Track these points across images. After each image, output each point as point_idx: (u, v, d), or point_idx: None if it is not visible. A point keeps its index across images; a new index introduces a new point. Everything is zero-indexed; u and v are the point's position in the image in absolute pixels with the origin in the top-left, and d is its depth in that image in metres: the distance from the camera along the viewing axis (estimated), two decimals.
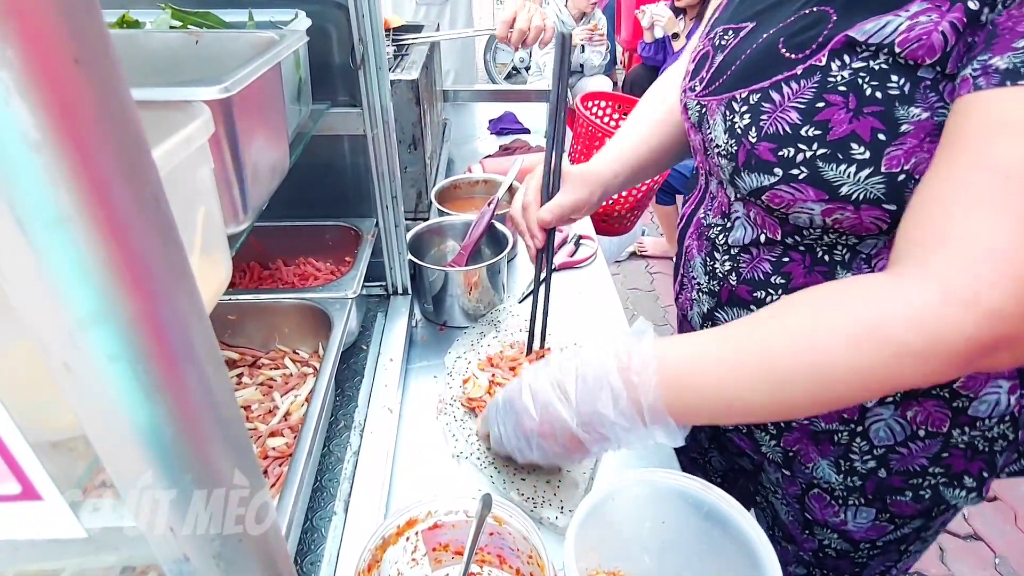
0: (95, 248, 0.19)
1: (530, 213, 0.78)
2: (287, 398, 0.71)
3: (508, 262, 1.16)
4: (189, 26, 0.67)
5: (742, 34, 0.60)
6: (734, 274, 0.64)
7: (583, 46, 3.78)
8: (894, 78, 0.47)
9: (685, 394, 0.49)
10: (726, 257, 0.65)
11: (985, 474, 0.63)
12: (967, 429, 0.60)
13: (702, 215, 0.71)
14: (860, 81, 0.48)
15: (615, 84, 4.51)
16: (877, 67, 0.47)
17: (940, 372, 0.43)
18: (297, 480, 0.54)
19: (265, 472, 0.63)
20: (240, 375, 0.75)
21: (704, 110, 0.62)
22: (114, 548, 0.29)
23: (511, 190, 1.20)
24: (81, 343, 0.20)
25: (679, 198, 3.21)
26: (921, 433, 0.61)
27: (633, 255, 3.33)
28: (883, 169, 0.48)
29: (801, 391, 0.46)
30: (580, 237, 1.24)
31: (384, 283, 0.98)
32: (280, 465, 0.64)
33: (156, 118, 0.38)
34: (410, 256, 0.96)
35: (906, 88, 0.47)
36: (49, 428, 0.27)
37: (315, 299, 0.76)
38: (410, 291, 0.99)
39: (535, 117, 1.82)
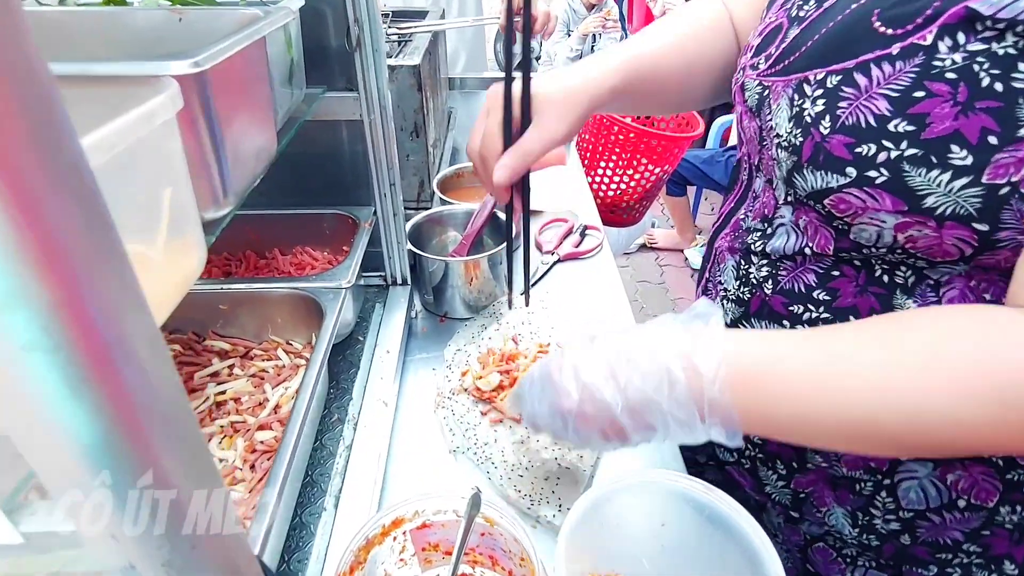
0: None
1: (489, 165, 0.61)
2: (278, 390, 0.69)
3: (511, 252, 1.13)
4: (177, 4, 0.65)
5: (826, 4, 0.50)
6: (770, 282, 0.56)
7: (596, 34, 3.73)
8: (1022, 67, 0.38)
9: (754, 395, 0.41)
10: (764, 262, 0.57)
11: None
12: (1019, 508, 0.50)
13: (742, 216, 0.62)
14: (976, 68, 0.39)
15: None
16: (1002, 51, 0.38)
17: None
18: (281, 475, 0.52)
19: (252, 467, 0.62)
20: (232, 366, 0.74)
21: (767, 92, 0.53)
22: (56, 554, 0.27)
23: None
24: None
25: (690, 189, 3.17)
26: (961, 504, 0.51)
27: (643, 247, 3.29)
28: (984, 180, 0.39)
29: (890, 439, 0.39)
30: (586, 227, 1.21)
31: (383, 273, 0.96)
32: (268, 459, 0.62)
33: (123, 93, 0.35)
34: (410, 246, 0.94)
35: None
36: None
37: (308, 289, 0.74)
38: (409, 281, 0.97)
39: None
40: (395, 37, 1.27)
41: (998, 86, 0.38)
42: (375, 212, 0.89)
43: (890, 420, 0.38)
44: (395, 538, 0.52)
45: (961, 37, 0.39)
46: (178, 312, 0.77)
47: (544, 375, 0.49)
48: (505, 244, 0.84)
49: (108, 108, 0.32)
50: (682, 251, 3.22)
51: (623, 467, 0.74)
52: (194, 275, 0.40)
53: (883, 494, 0.54)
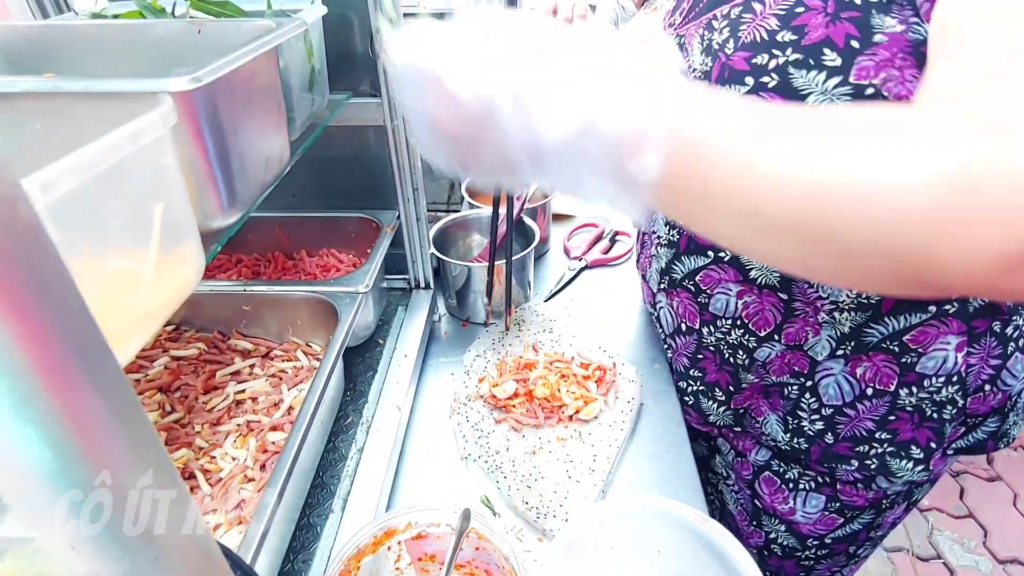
0: None
1: None
2: (293, 392, 0.71)
3: (535, 259, 1.13)
4: (205, 15, 0.67)
5: None
6: None
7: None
8: None
9: (688, 171, 0.33)
10: None
11: (933, 444, 0.63)
12: (914, 389, 0.61)
13: None
14: None
15: None
16: None
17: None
18: (282, 477, 0.53)
19: (263, 466, 0.63)
20: (253, 366, 0.76)
21: (683, 40, 0.62)
22: (27, 560, 0.28)
23: None
24: None
25: None
26: (869, 392, 0.62)
27: None
28: (852, 79, 0.48)
29: (830, 209, 0.31)
30: (616, 233, 1.19)
31: (407, 276, 0.97)
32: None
33: (120, 109, 0.37)
34: (433, 250, 0.95)
35: None
36: None
37: (326, 292, 0.76)
38: (432, 286, 0.97)
39: None
40: None
41: (857, 0, 0.47)
42: (399, 216, 0.90)
43: (830, 183, 0.31)
44: (390, 548, 0.52)
45: None
46: (206, 311, 0.80)
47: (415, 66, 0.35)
48: (505, 253, 0.84)
49: (106, 123, 0.34)
50: None
51: (633, 484, 0.73)
52: (191, 285, 0.41)
53: (807, 396, 0.65)
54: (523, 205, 1.03)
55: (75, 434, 0.22)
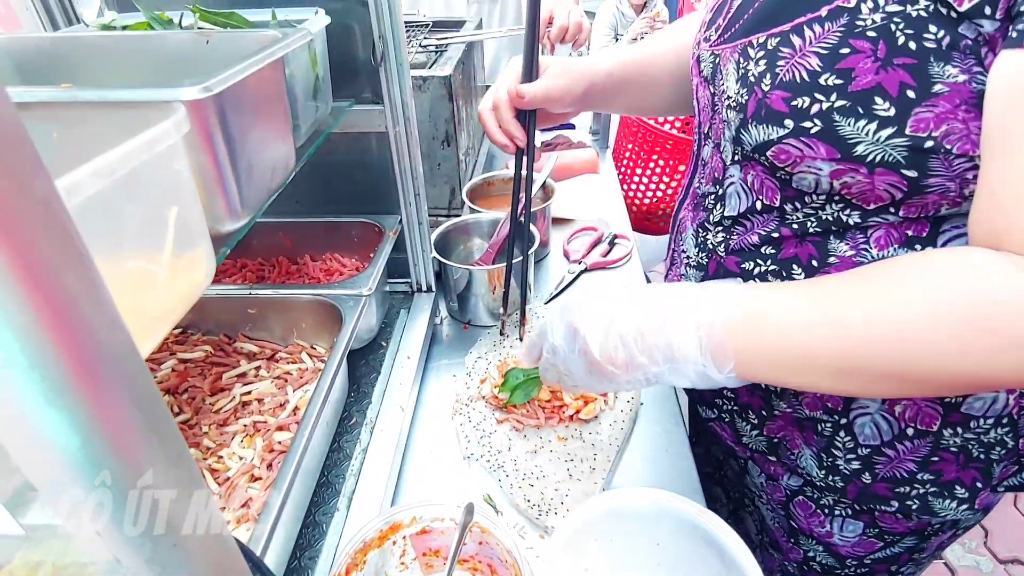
0: None
1: (503, 112, 0.72)
2: (298, 393, 0.72)
3: (536, 262, 1.14)
4: (212, 26, 0.68)
5: None
6: (723, 246, 0.61)
7: (643, 36, 3.69)
8: (932, 28, 0.42)
9: (751, 338, 0.46)
10: (719, 228, 0.62)
11: (979, 484, 0.58)
12: (959, 430, 0.55)
13: (696, 184, 0.67)
14: (893, 27, 0.43)
15: None
16: (915, 13, 0.42)
17: None
18: (288, 476, 0.54)
19: (270, 465, 0.64)
20: (258, 368, 0.77)
21: (718, 60, 0.58)
22: (55, 546, 0.30)
23: (544, 188, 1.18)
24: None
25: None
26: (909, 432, 0.56)
27: None
28: (908, 131, 0.44)
29: (877, 372, 0.43)
30: (615, 236, 1.20)
31: (409, 280, 0.98)
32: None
33: (137, 116, 0.38)
34: (435, 254, 0.96)
35: (944, 43, 0.42)
36: None
37: (330, 295, 0.77)
38: (434, 289, 0.99)
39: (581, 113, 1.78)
40: (432, 47, 1.30)
41: (912, 45, 0.42)
42: (400, 221, 0.91)
43: (876, 352, 0.42)
44: (395, 543, 0.53)
45: (880, 0, 0.44)
46: (211, 315, 0.82)
47: (569, 326, 0.54)
48: (508, 259, 0.85)
49: (122, 131, 0.35)
50: None
51: (633, 482, 0.74)
52: (202, 287, 0.42)
53: (842, 433, 0.60)
54: (527, 214, 1.04)
55: (100, 423, 0.24)
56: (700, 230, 0.65)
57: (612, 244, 1.19)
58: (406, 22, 1.27)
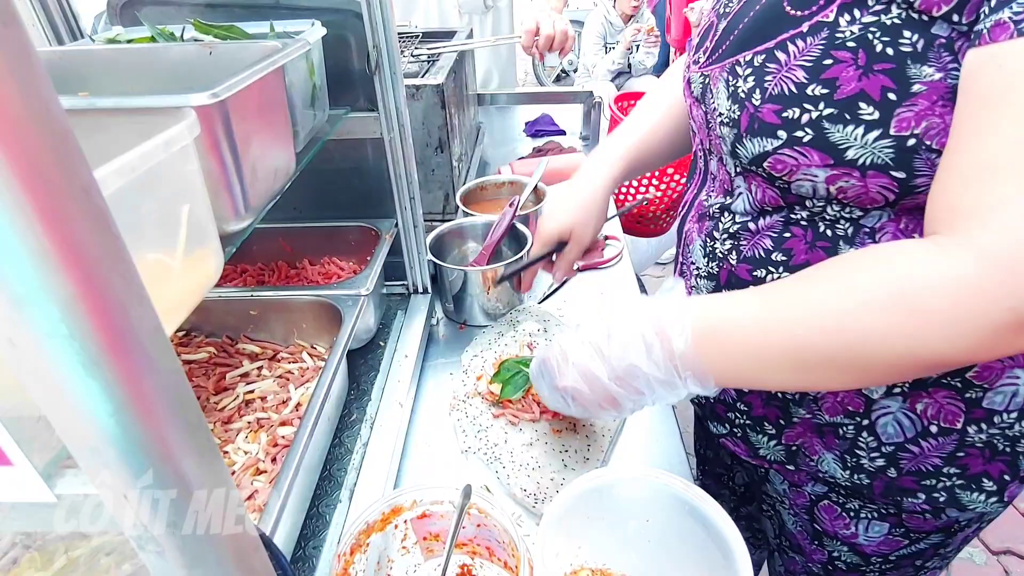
0: (25, 233, 0.22)
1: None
2: (300, 390, 0.74)
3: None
4: (210, 38, 0.71)
5: None
6: (734, 253, 0.62)
7: (636, 46, 3.75)
8: (907, 34, 0.45)
9: (717, 347, 0.49)
10: (726, 236, 0.63)
11: (1007, 477, 0.58)
12: (983, 425, 0.56)
13: (704, 198, 0.68)
14: (870, 36, 0.46)
15: None
16: (889, 21, 0.45)
17: (973, 347, 0.41)
18: (293, 465, 0.56)
19: (274, 459, 0.67)
20: (261, 367, 0.79)
21: (707, 80, 0.60)
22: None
23: (536, 191, 1.21)
24: (19, 320, 0.23)
25: None
26: (933, 429, 0.57)
27: None
28: (892, 132, 0.46)
29: (826, 361, 0.46)
30: (606, 237, 1.23)
31: (406, 282, 1.01)
32: None
33: (151, 121, 0.41)
34: (430, 256, 0.99)
35: (919, 45, 0.44)
36: (17, 402, 0.30)
37: (330, 296, 0.80)
38: (430, 290, 1.01)
39: (571, 118, 1.82)
40: (424, 57, 1.33)
41: (890, 51, 0.45)
42: (396, 224, 0.94)
43: (821, 342, 0.45)
44: (396, 526, 0.55)
45: (857, 12, 0.47)
46: (214, 317, 0.84)
47: (542, 359, 0.61)
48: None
49: (136, 135, 0.38)
50: None
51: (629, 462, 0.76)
52: (211, 281, 0.45)
53: (864, 434, 0.60)
54: (515, 213, 1.07)
55: (130, 393, 0.26)
56: (708, 240, 0.66)
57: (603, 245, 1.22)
58: (397, 33, 1.30)
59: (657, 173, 1.54)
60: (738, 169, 0.60)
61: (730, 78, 0.55)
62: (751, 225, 0.60)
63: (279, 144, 0.59)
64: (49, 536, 0.33)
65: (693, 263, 0.69)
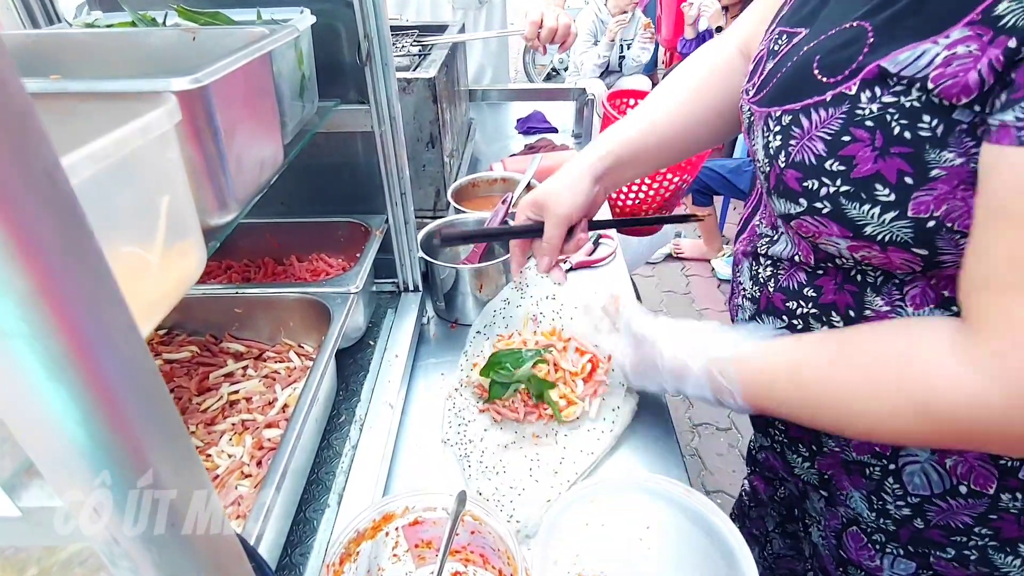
0: None
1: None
2: (287, 390, 0.72)
3: None
4: (197, 24, 0.69)
5: (794, 40, 0.56)
6: (772, 281, 0.62)
7: (628, 43, 3.74)
8: (926, 118, 0.43)
9: (754, 389, 0.56)
10: (768, 263, 0.64)
11: None
12: (1019, 495, 0.53)
13: (757, 222, 0.68)
14: (888, 118, 0.44)
15: (655, 85, 4.45)
16: (908, 104, 0.43)
17: (987, 450, 0.46)
18: (280, 469, 0.54)
19: (260, 463, 0.64)
20: (246, 367, 0.77)
21: (753, 118, 0.59)
22: (51, 528, 0.30)
23: (528, 188, 1.19)
24: None
25: (718, 200, 3.14)
26: (963, 490, 0.54)
27: (669, 257, 3.26)
28: (910, 214, 0.45)
29: (833, 424, 0.53)
30: (599, 236, 1.22)
31: (396, 280, 0.99)
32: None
33: (127, 107, 0.38)
34: (421, 253, 0.97)
35: (939, 131, 0.43)
36: None
37: (318, 293, 0.77)
38: (421, 288, 0.99)
39: (563, 116, 1.80)
40: (416, 51, 1.31)
41: (907, 135, 0.44)
42: (387, 220, 0.91)
43: (832, 415, 0.51)
44: (387, 534, 0.53)
45: (877, 90, 0.45)
46: (197, 315, 0.81)
47: (648, 361, 0.68)
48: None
49: (112, 121, 0.35)
50: (708, 261, 3.18)
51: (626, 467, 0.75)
52: (193, 277, 0.43)
53: (890, 480, 0.58)
54: (508, 210, 1.05)
55: (100, 398, 0.24)
56: (753, 263, 0.66)
57: (596, 244, 1.20)
58: (389, 27, 1.28)
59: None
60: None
61: (765, 129, 0.55)
62: (786, 261, 0.61)
63: (266, 135, 0.56)
64: (15, 548, 0.30)
65: (741, 284, 0.70)
